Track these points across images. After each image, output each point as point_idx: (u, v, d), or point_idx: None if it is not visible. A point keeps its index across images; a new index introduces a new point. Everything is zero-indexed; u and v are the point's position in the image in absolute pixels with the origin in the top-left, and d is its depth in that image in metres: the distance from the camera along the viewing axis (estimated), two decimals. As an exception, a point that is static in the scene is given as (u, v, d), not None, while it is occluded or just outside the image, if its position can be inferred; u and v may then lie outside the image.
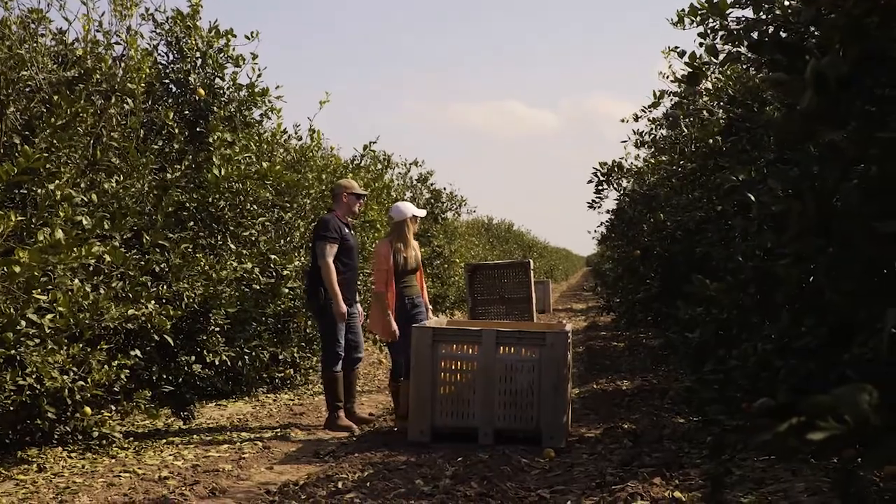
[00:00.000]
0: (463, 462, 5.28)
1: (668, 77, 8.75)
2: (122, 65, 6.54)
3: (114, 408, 6.08)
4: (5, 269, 4.56)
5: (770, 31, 3.55)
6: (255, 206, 7.80)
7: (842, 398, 1.28)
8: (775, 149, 4.12)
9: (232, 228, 7.52)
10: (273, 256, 7.82)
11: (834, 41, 1.80)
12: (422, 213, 6.98)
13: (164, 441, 6.20)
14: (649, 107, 9.02)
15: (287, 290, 7.95)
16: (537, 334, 6.04)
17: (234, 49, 7.61)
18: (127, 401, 5.96)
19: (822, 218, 1.89)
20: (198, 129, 7.34)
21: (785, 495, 3.96)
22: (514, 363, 5.93)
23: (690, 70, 3.58)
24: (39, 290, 4.92)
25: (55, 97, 5.71)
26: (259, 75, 7.79)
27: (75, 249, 4.89)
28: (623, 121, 10.09)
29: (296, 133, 9.75)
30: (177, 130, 7.01)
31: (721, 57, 3.79)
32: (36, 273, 4.74)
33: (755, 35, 3.61)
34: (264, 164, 7.67)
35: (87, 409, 5.52)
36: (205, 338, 6.88)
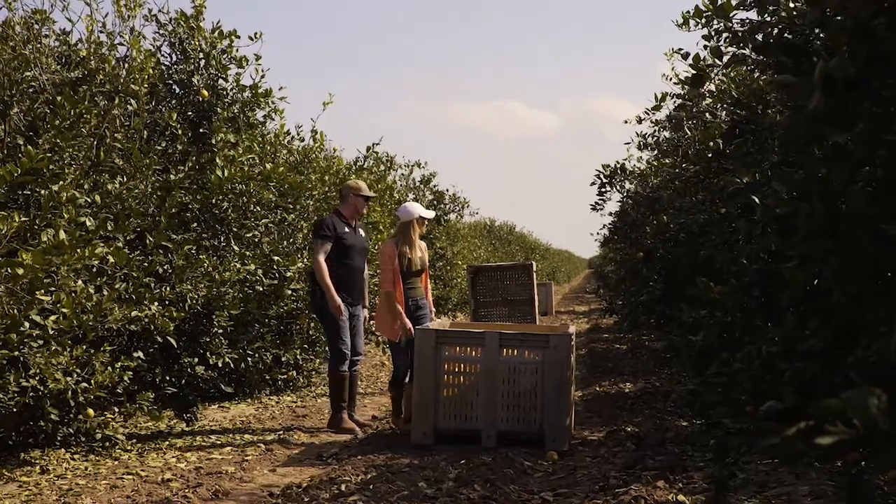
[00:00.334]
0: (466, 464, 5.27)
1: (670, 79, 8.73)
2: (126, 66, 6.54)
3: (117, 410, 6.08)
4: (8, 271, 4.56)
5: (775, 34, 3.54)
6: (258, 208, 7.80)
7: (850, 402, 1.28)
8: (780, 151, 4.11)
9: (235, 230, 7.53)
10: (276, 258, 7.82)
11: (841, 43, 1.79)
12: (430, 214, 6.97)
13: (167, 443, 6.19)
14: (652, 109, 9.00)
15: (290, 292, 7.96)
16: (540, 336, 6.03)
17: (237, 50, 7.62)
18: (130, 403, 5.95)
19: (829, 220, 1.88)
20: (201, 131, 7.34)
21: (789, 499, 3.96)
22: (517, 365, 5.93)
23: (694, 72, 3.57)
24: (43, 291, 4.92)
25: (59, 98, 5.72)
26: (262, 76, 7.80)
27: (79, 251, 4.89)
28: (625, 122, 10.08)
29: (298, 134, 9.76)
30: (180, 131, 7.01)
31: (725, 59, 3.78)
32: (39, 274, 4.74)
33: (760, 37, 3.60)
34: (267, 166, 7.67)
35: (90, 411, 5.52)
36: (208, 339, 6.88)
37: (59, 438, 5.77)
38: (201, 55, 7.43)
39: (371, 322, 7.22)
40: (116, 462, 5.59)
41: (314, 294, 6.71)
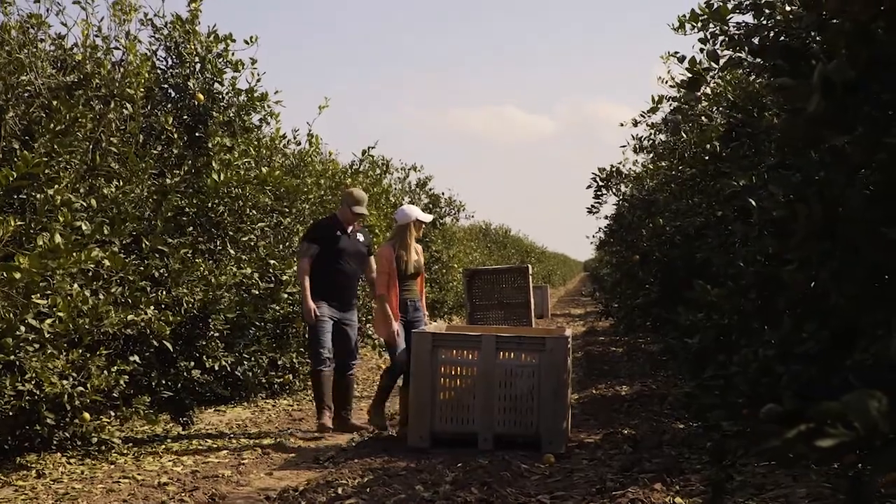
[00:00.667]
0: (463, 468, 5.27)
1: (666, 82, 8.75)
2: (122, 70, 6.54)
3: (113, 413, 6.07)
4: (5, 275, 4.55)
5: (771, 37, 3.55)
6: (254, 212, 7.80)
7: (851, 404, 1.28)
8: (776, 154, 4.11)
9: (231, 233, 7.52)
10: (272, 261, 7.82)
11: (840, 46, 1.80)
12: (427, 217, 6.96)
13: (164, 447, 6.18)
14: (648, 112, 9.01)
15: (286, 296, 7.95)
16: (537, 339, 6.03)
17: (233, 54, 7.62)
18: (126, 406, 5.94)
19: (827, 223, 1.89)
20: (197, 134, 7.34)
21: (786, 501, 3.96)
22: (513, 368, 5.93)
23: (691, 75, 3.58)
24: (39, 295, 4.91)
25: (54, 102, 5.71)
26: (258, 80, 7.80)
27: (75, 254, 4.89)
28: (621, 125, 10.08)
29: (294, 138, 9.76)
30: (176, 135, 7.00)
31: (721, 62, 3.79)
32: (35, 278, 4.73)
33: (756, 41, 3.61)
34: (263, 170, 7.67)
35: (87, 415, 5.51)
36: (204, 343, 6.87)
37: (55, 442, 5.76)
38: (197, 59, 7.42)
39: (368, 325, 7.22)
40: (113, 466, 5.58)
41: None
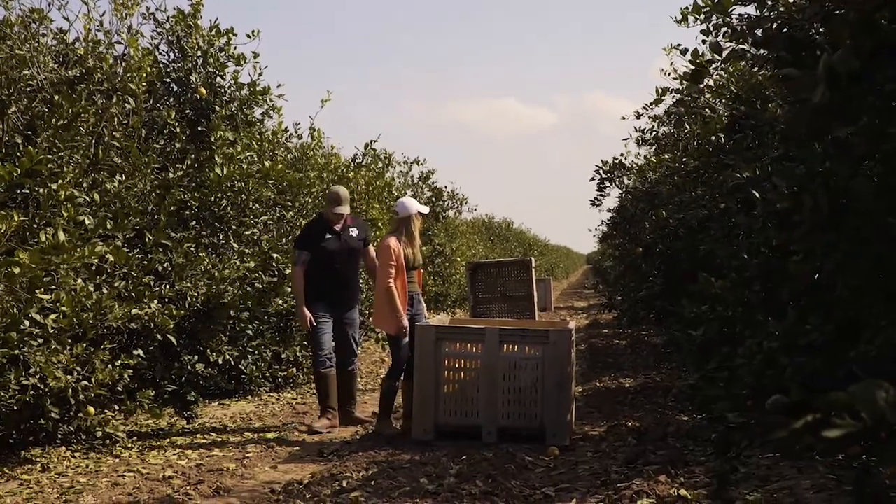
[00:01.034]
0: (467, 460, 5.28)
1: (669, 74, 8.74)
2: (124, 64, 6.53)
3: (117, 407, 6.07)
4: (7, 270, 4.55)
5: (774, 28, 3.54)
6: (257, 205, 7.80)
7: (858, 395, 1.28)
8: (780, 146, 4.11)
9: (234, 227, 7.52)
10: (275, 255, 7.82)
11: (844, 37, 1.79)
12: (425, 209, 6.91)
13: (168, 441, 6.19)
14: (651, 104, 9.02)
15: (289, 289, 7.95)
16: (541, 332, 6.03)
17: (235, 48, 7.60)
18: (130, 400, 5.95)
19: (833, 213, 1.88)
20: (199, 129, 7.33)
21: (791, 492, 3.96)
22: (517, 361, 5.93)
23: (693, 67, 3.57)
24: (43, 289, 4.92)
25: (56, 97, 5.71)
26: (260, 74, 7.79)
27: (78, 249, 4.89)
28: (623, 118, 10.08)
29: (296, 132, 9.75)
30: (178, 129, 7.00)
31: (724, 54, 3.78)
32: (39, 273, 4.74)
33: (759, 32, 3.60)
34: (266, 163, 7.67)
35: (91, 409, 5.52)
36: (207, 337, 6.88)
37: (59, 436, 5.77)
38: (199, 53, 7.42)
39: (370, 318, 7.20)
40: (117, 460, 5.59)
41: None
